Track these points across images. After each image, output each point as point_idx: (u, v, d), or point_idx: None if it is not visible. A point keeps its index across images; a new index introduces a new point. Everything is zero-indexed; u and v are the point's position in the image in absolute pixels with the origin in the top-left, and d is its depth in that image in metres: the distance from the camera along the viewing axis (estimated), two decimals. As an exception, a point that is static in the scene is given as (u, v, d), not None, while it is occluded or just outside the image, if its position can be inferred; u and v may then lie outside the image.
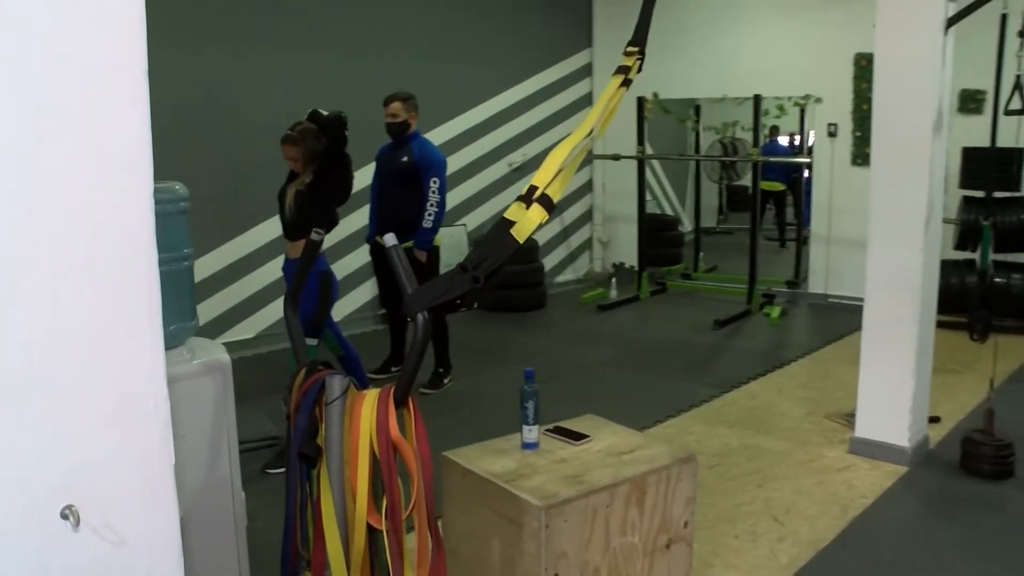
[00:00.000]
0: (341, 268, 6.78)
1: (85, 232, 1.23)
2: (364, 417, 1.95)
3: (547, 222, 2.11)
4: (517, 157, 8.62)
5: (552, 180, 2.12)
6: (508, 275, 7.86)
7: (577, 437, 2.94)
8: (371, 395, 1.99)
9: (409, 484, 1.99)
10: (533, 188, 2.12)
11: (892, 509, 3.85)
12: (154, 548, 1.36)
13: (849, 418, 4.71)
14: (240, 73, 6.36)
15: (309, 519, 2.15)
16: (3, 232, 1.16)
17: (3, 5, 1.10)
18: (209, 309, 6.31)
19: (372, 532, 2.03)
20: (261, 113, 6.19)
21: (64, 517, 1.24)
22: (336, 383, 2.04)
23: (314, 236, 2.36)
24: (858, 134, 7.83)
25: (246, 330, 6.53)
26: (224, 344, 6.12)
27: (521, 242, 2.06)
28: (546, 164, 2.14)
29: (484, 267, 1.99)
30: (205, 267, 6.25)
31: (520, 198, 2.12)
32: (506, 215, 2.10)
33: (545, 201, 2.10)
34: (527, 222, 2.08)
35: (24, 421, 1.21)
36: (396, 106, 5.38)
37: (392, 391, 1.97)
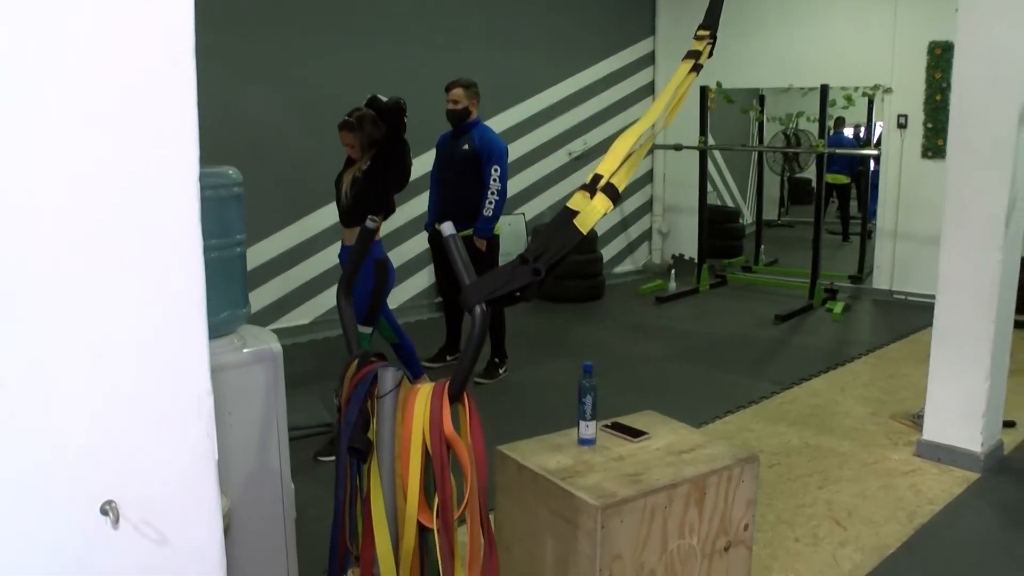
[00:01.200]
0: (399, 255, 6.77)
1: (126, 223, 1.18)
2: (417, 412, 1.89)
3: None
4: (578, 146, 8.53)
5: (618, 169, 2.03)
6: (566, 265, 7.76)
7: (636, 434, 2.86)
8: (425, 389, 1.92)
9: (462, 482, 1.93)
10: (598, 177, 2.04)
11: (963, 517, 3.69)
12: (196, 547, 1.31)
13: (916, 419, 4.55)
14: (302, 58, 6.36)
15: (359, 514, 2.10)
16: (42, 224, 1.12)
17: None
18: (266, 294, 6.35)
19: (423, 530, 1.97)
20: (321, 98, 6.19)
21: (104, 513, 1.20)
22: (389, 376, 1.98)
23: (369, 224, 2.30)
24: (930, 125, 7.58)
25: (302, 316, 6.55)
26: (280, 330, 6.23)
27: (584, 233, 1.98)
28: (612, 152, 2.05)
29: (545, 258, 1.92)
30: (263, 252, 6.28)
31: (584, 187, 2.04)
32: (569, 204, 2.02)
33: (610, 191, 2.02)
34: (591, 212, 2.00)
35: (63, 415, 1.18)
36: (458, 92, 5.31)
37: (447, 385, 1.90)
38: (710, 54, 2.28)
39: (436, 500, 1.91)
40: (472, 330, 1.87)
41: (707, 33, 2.29)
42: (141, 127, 1.18)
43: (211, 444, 1.31)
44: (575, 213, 1.98)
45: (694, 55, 2.25)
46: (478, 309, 1.85)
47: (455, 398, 1.91)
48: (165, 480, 1.28)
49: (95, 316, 1.18)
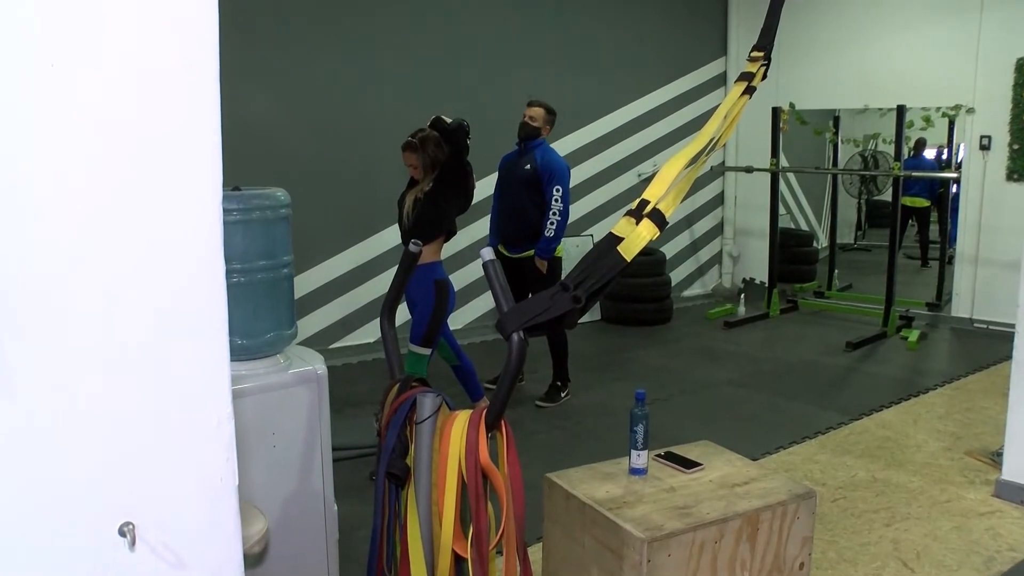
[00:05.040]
0: (462, 277, 6.77)
1: (145, 242, 1.18)
2: (454, 440, 1.87)
3: (656, 238, 1.97)
4: (647, 168, 8.44)
5: (665, 194, 1.99)
6: (635, 288, 7.70)
7: (689, 465, 2.79)
8: (462, 417, 1.90)
9: (500, 511, 1.89)
10: (644, 202, 1.99)
11: (1044, 564, 3.50)
12: (214, 571, 1.30)
13: (995, 457, 4.35)
14: (367, 79, 6.44)
15: (396, 540, 2.08)
16: (59, 240, 1.12)
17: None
18: (331, 313, 6.42)
19: (458, 559, 1.94)
20: (386, 118, 6.25)
21: (121, 534, 1.20)
22: (428, 402, 1.96)
23: (412, 248, 2.29)
24: (1016, 147, 7.28)
25: (367, 335, 6.59)
26: (344, 348, 6.26)
27: (628, 260, 1.93)
28: (659, 177, 2.00)
29: (587, 286, 1.88)
30: (328, 271, 6.37)
31: (629, 212, 1.99)
32: (614, 230, 1.98)
33: (657, 217, 1.97)
34: (636, 238, 1.95)
35: (82, 435, 1.18)
36: (538, 111, 5.31)
37: (484, 413, 1.87)
38: (764, 76, 2.22)
39: (471, 530, 1.88)
40: (509, 358, 1.84)
41: (761, 54, 2.22)
42: (163, 145, 1.19)
43: (231, 468, 1.30)
44: (619, 239, 1.93)
45: (747, 77, 2.18)
46: (515, 337, 1.82)
47: (492, 426, 1.88)
48: (184, 503, 1.27)
49: (114, 337, 1.18)
